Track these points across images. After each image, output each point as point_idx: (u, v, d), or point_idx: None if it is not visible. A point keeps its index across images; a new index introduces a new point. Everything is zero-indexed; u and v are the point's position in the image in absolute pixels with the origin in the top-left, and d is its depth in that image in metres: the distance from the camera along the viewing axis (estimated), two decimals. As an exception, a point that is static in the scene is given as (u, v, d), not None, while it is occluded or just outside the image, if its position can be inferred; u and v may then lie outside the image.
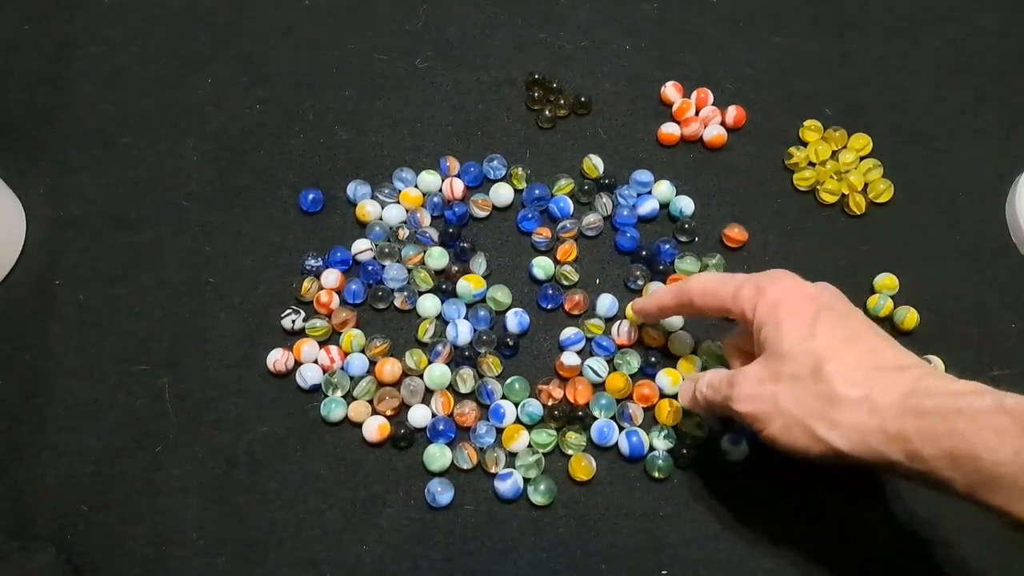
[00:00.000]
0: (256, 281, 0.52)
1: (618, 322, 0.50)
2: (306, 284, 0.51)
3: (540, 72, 0.59)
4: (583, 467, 0.46)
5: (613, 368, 0.49)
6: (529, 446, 0.47)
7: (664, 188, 0.54)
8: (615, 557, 0.45)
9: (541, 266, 0.52)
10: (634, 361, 0.49)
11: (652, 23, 0.62)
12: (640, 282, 0.52)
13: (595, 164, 0.55)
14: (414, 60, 0.60)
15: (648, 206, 0.54)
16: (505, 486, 0.45)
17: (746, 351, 0.44)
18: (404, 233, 0.53)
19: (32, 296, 0.52)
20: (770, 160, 0.57)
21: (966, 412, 0.32)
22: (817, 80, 0.60)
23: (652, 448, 0.47)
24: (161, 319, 0.51)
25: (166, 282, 0.52)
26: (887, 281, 0.52)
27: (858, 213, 0.54)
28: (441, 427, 0.47)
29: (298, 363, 0.49)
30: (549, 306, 0.51)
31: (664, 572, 0.44)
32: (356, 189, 0.54)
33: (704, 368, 0.49)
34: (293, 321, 0.50)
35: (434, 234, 0.53)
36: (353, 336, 0.50)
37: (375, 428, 0.47)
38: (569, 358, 0.49)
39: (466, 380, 0.49)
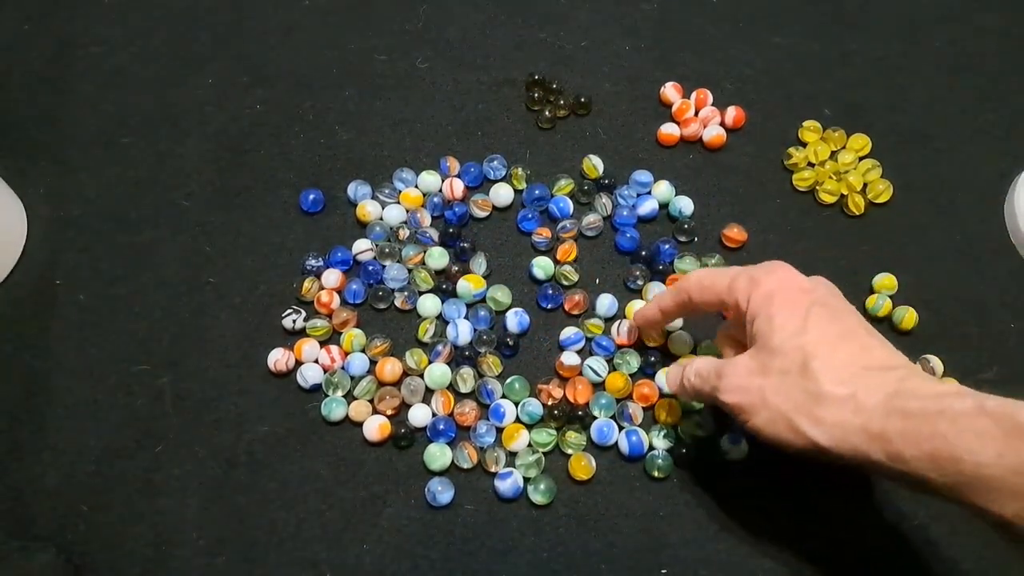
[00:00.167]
0: (256, 281, 0.52)
1: (618, 322, 0.50)
2: (307, 284, 0.51)
3: (540, 72, 0.59)
4: (583, 467, 0.46)
5: (613, 368, 0.49)
6: (529, 446, 0.47)
7: (664, 188, 0.54)
8: (615, 557, 0.45)
9: (541, 266, 0.52)
10: (634, 361, 0.49)
11: (652, 23, 0.62)
12: (640, 282, 0.52)
13: (595, 164, 0.55)
14: (414, 60, 0.60)
15: (648, 206, 0.54)
16: (505, 486, 0.45)
17: (738, 340, 0.44)
18: (404, 233, 0.53)
19: (32, 296, 0.52)
20: (769, 160, 0.57)
21: (947, 414, 0.32)
22: (817, 80, 0.60)
23: (652, 448, 0.47)
24: (161, 319, 0.51)
25: (166, 282, 0.52)
26: (886, 281, 0.52)
27: (857, 213, 0.54)
28: (441, 427, 0.47)
29: (299, 363, 0.49)
30: (549, 306, 0.51)
31: (664, 572, 0.44)
32: (356, 189, 0.54)
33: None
34: (294, 321, 0.50)
35: (434, 234, 0.53)
36: (354, 336, 0.50)
37: (375, 428, 0.47)
38: (569, 358, 0.49)
39: (466, 380, 0.49)
